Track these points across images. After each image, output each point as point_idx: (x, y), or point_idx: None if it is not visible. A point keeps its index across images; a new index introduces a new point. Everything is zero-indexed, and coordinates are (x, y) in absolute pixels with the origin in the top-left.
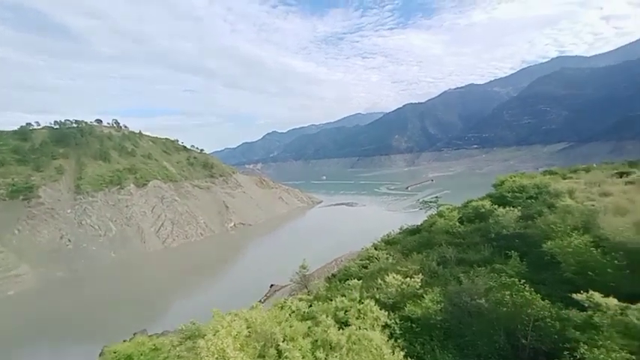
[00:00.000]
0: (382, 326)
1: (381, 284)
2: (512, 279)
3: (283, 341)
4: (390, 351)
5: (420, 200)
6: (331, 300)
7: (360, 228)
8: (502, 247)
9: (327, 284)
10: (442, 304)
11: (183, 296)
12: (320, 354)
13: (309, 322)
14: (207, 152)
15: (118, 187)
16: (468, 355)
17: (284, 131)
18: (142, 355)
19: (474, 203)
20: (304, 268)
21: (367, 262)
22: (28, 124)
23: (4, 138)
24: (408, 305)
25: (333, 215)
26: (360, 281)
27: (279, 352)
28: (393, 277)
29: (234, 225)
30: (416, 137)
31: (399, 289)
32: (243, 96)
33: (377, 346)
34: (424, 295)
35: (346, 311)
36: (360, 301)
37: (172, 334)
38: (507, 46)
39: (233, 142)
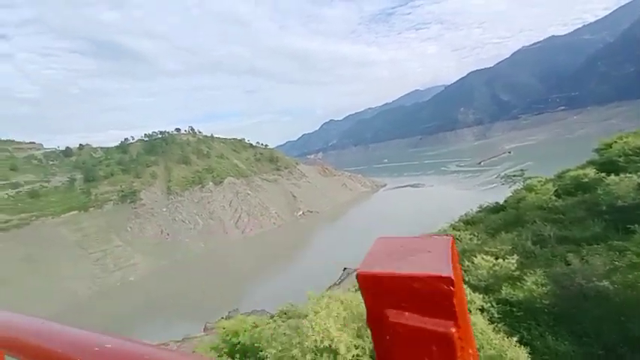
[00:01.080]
0: (479, 310)
1: (469, 266)
2: None
3: None
4: (498, 336)
5: (501, 175)
6: None
7: (429, 209)
8: (617, 220)
9: None
10: (548, 286)
11: (265, 280)
12: None
13: None
14: (271, 147)
15: (200, 186)
16: (588, 344)
17: (340, 118)
18: (245, 331)
19: (572, 173)
20: None
21: None
22: (126, 139)
23: (110, 153)
24: (504, 288)
25: (398, 198)
26: None
27: None
28: (483, 259)
29: (303, 213)
30: (485, 107)
31: (491, 271)
32: (297, 90)
33: (482, 330)
34: (524, 278)
35: None
36: None
37: (261, 312)
38: None
39: (293, 134)
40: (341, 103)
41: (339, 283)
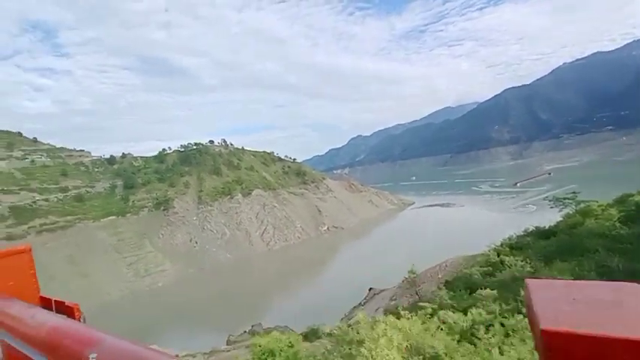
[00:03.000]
0: None
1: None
2: None
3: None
4: None
5: (549, 197)
6: (463, 312)
7: (461, 230)
8: None
9: (450, 292)
10: None
11: (288, 294)
12: None
13: (455, 336)
14: (299, 161)
15: (229, 196)
16: None
17: (368, 134)
18: (281, 351)
19: (636, 198)
20: (413, 273)
21: (490, 269)
22: (164, 149)
23: (148, 162)
24: None
25: (427, 217)
26: (494, 291)
27: None
28: None
29: (328, 228)
30: (522, 125)
31: None
32: (326, 105)
33: None
34: None
35: (488, 326)
36: (502, 315)
37: (284, 328)
38: None
39: (320, 149)
40: (369, 119)
41: (364, 303)
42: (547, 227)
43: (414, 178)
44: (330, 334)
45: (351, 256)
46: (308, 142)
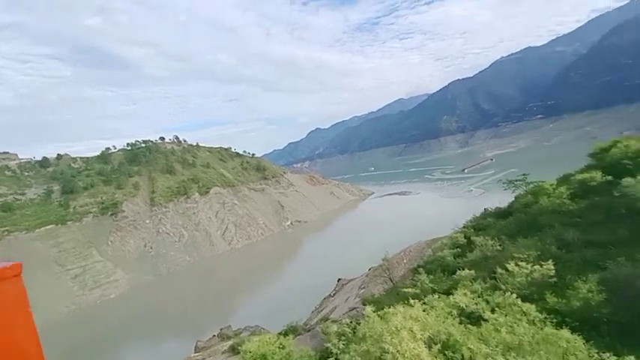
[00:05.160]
0: (541, 321)
1: (502, 274)
2: None
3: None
4: (605, 354)
5: (503, 180)
6: (445, 293)
7: (419, 216)
8: None
9: (430, 276)
10: (603, 294)
11: (255, 293)
12: (512, 359)
13: (458, 319)
14: (257, 155)
15: (185, 196)
16: None
17: (327, 127)
18: (274, 354)
19: (577, 177)
20: (386, 260)
21: (459, 250)
22: (108, 148)
23: (90, 163)
24: (548, 297)
25: (386, 206)
26: (472, 271)
27: (462, 357)
28: (517, 265)
29: (291, 223)
30: (467, 115)
31: (529, 279)
32: (282, 97)
33: (580, 349)
34: (574, 285)
35: (475, 305)
36: (485, 292)
37: (255, 328)
38: None
39: (279, 143)
40: (327, 112)
41: (334, 294)
42: (503, 208)
43: (372, 168)
44: (336, 334)
45: (315, 248)
46: (266, 137)
